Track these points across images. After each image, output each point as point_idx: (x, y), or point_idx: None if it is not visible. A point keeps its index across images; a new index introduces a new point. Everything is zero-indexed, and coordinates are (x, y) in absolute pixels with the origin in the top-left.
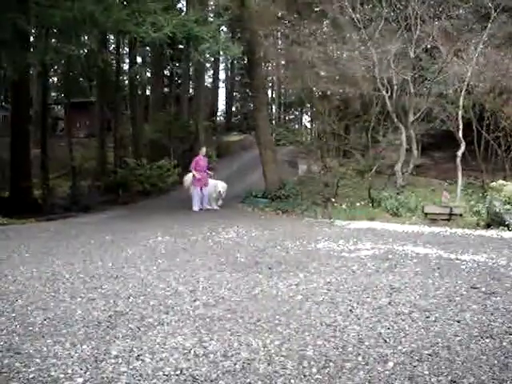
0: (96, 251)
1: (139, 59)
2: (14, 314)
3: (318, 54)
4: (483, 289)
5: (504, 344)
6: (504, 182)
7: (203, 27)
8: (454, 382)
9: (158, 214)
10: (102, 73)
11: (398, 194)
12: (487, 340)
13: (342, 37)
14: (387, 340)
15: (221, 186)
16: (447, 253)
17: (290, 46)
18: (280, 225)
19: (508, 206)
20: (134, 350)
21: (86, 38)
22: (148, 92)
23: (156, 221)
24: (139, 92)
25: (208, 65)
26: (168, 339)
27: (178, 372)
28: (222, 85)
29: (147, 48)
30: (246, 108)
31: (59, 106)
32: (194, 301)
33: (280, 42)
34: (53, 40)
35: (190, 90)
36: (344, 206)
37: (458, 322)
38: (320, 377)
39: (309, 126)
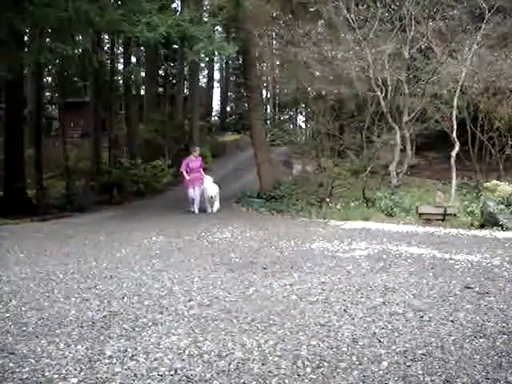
0: (90, 251)
1: (134, 59)
2: (7, 315)
3: (313, 54)
4: (477, 289)
5: (497, 343)
6: (498, 182)
7: (198, 27)
8: (448, 381)
9: (152, 214)
10: (96, 73)
11: (392, 194)
12: (481, 340)
13: (337, 37)
14: (381, 340)
15: (212, 190)
16: (441, 253)
17: (284, 46)
18: (274, 225)
19: (502, 206)
20: (129, 350)
21: (81, 37)
22: (143, 92)
23: (150, 221)
24: (134, 92)
25: (203, 65)
26: (162, 339)
27: (173, 372)
28: (216, 85)
29: (142, 48)
30: (241, 108)
31: (53, 106)
32: (189, 301)
33: (275, 42)
34: (47, 40)
35: (185, 90)
36: (338, 206)
37: (452, 321)
38: (314, 377)
39: (303, 126)
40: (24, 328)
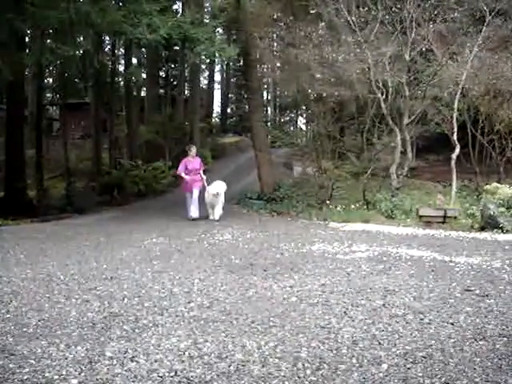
0: (91, 252)
1: (135, 60)
2: (8, 316)
3: (314, 56)
4: (477, 291)
5: (497, 346)
6: (498, 184)
7: (199, 29)
8: None
9: (152, 216)
10: (97, 74)
11: (392, 196)
12: (481, 342)
13: (338, 39)
14: (381, 342)
15: (217, 188)
16: (441, 255)
17: (285, 48)
18: (275, 227)
19: (502, 209)
20: (129, 351)
21: (82, 38)
22: (143, 93)
23: (151, 222)
24: (135, 93)
25: (203, 66)
26: (162, 341)
27: (173, 373)
28: (217, 86)
29: (143, 49)
30: (242, 110)
31: (54, 107)
32: (189, 302)
33: (275, 44)
34: (48, 41)
35: (186, 92)
36: (339, 208)
37: (452, 324)
38: (314, 378)
39: (304, 127)
40: (24, 329)
